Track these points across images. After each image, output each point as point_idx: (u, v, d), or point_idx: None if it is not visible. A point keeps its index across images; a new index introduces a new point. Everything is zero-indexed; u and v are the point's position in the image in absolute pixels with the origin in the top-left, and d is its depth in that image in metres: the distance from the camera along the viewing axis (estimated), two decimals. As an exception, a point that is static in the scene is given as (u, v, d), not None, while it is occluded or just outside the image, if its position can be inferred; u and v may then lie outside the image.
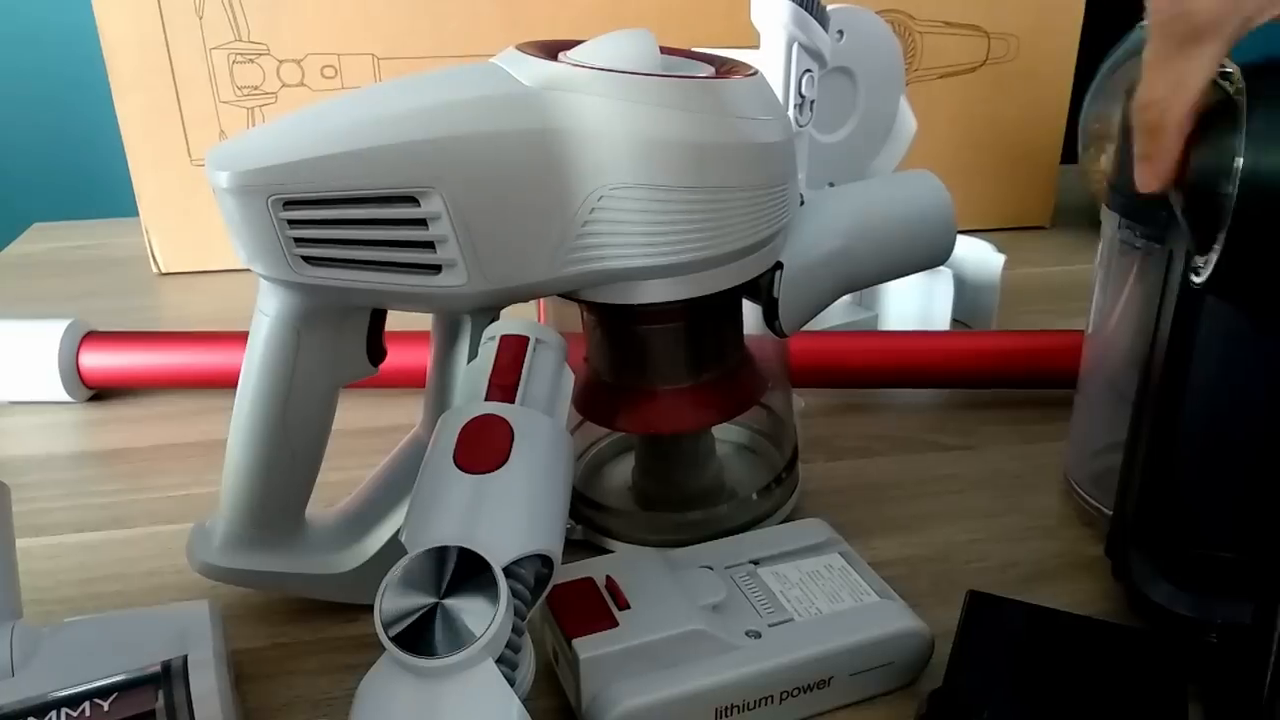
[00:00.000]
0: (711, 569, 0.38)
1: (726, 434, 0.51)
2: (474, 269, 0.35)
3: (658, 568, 0.37)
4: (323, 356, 0.38)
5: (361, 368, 0.39)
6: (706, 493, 0.47)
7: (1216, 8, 0.30)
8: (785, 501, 0.48)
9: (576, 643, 0.33)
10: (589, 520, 0.46)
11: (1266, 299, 0.33)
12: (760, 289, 0.41)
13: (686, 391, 0.43)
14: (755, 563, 0.39)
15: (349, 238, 0.34)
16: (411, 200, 0.34)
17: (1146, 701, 0.33)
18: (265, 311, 0.37)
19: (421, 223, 0.34)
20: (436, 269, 0.35)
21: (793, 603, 0.37)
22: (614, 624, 0.34)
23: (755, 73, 0.38)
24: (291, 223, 0.33)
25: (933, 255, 0.44)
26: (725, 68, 0.38)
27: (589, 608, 0.35)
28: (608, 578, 0.36)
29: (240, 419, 0.38)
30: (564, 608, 0.35)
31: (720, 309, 0.42)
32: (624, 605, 0.35)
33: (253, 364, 0.38)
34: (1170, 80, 0.32)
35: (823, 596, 0.37)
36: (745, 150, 0.36)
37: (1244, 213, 0.30)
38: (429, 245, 0.35)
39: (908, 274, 0.45)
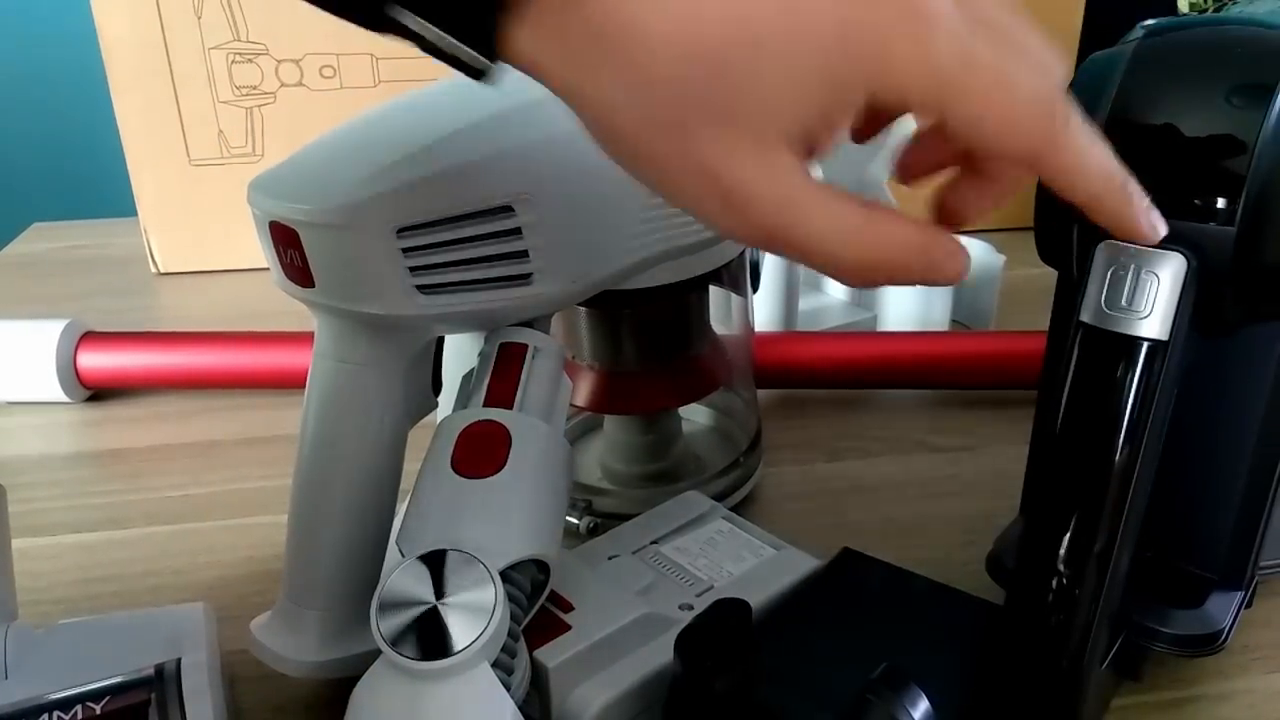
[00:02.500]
0: (620, 557, 0.39)
1: (693, 414, 0.53)
2: (560, 272, 0.35)
3: (576, 566, 0.37)
4: (402, 397, 0.35)
5: (429, 402, 0.37)
6: (673, 470, 0.48)
7: None
8: (747, 480, 0.49)
9: (539, 653, 0.33)
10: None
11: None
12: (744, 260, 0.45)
13: (660, 373, 0.45)
14: (655, 543, 0.40)
15: (455, 259, 0.32)
16: (508, 210, 0.33)
17: (948, 660, 0.33)
18: (337, 356, 0.34)
19: (516, 232, 0.33)
20: (528, 278, 0.34)
21: (704, 571, 0.38)
22: (566, 627, 0.34)
23: None
24: (406, 250, 0.31)
25: None
26: None
27: (536, 617, 0.34)
28: None
29: (316, 489, 0.35)
30: None
31: (697, 292, 0.44)
32: (568, 608, 0.35)
33: (326, 420, 0.34)
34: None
35: (727, 560, 0.39)
36: None
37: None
38: (523, 255, 0.33)
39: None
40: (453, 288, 0.33)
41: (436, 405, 0.37)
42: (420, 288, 0.32)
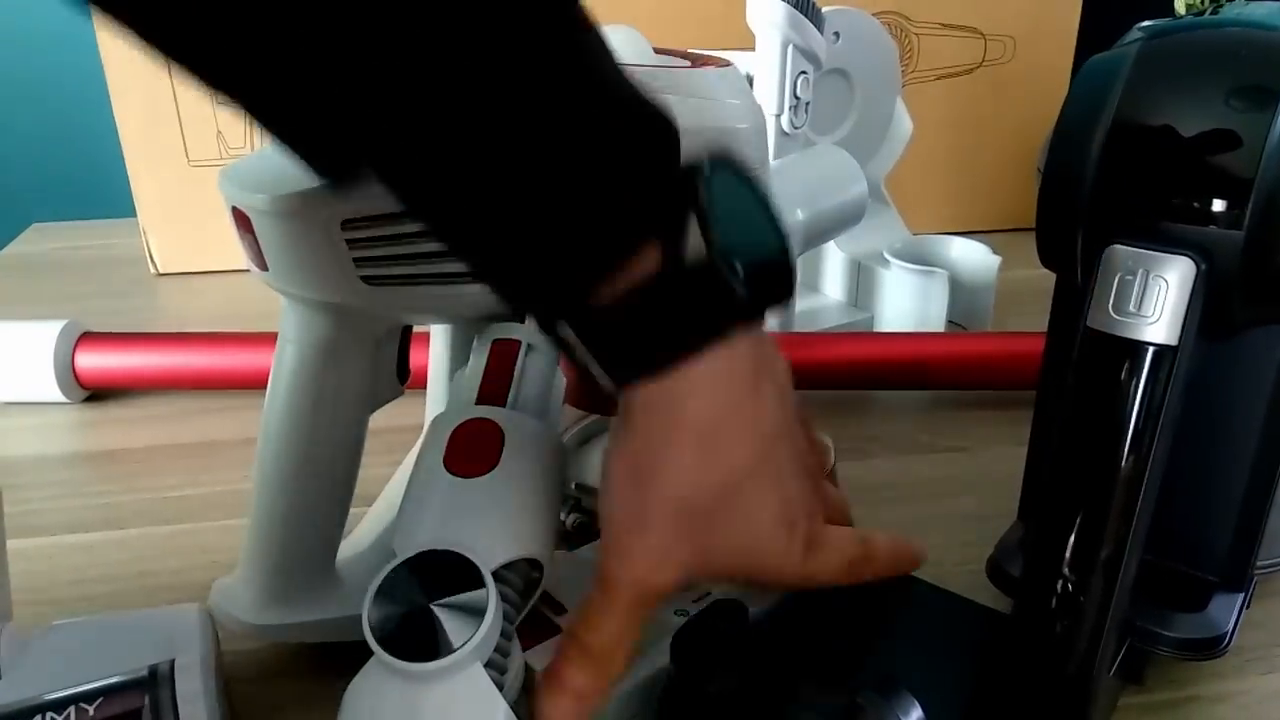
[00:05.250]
0: None
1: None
2: None
3: (570, 568, 0.37)
4: (360, 383, 0.35)
5: (393, 389, 0.37)
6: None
7: (674, 583, 0.30)
8: None
9: (529, 655, 0.33)
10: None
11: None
12: None
13: None
14: None
15: (398, 253, 0.32)
16: None
17: (945, 662, 0.33)
18: (297, 340, 0.35)
19: None
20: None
21: None
22: (558, 630, 0.34)
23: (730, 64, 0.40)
24: (350, 243, 0.32)
25: (855, 215, 0.57)
26: (700, 60, 0.40)
27: (528, 620, 0.34)
28: None
29: (273, 465, 0.36)
30: None
31: None
32: (560, 610, 0.34)
33: (284, 401, 0.35)
34: (615, 633, 0.30)
35: None
36: (761, 132, 0.39)
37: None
38: None
39: (837, 235, 0.58)
40: (397, 280, 0.33)
41: (402, 393, 0.38)
42: (365, 279, 0.33)
